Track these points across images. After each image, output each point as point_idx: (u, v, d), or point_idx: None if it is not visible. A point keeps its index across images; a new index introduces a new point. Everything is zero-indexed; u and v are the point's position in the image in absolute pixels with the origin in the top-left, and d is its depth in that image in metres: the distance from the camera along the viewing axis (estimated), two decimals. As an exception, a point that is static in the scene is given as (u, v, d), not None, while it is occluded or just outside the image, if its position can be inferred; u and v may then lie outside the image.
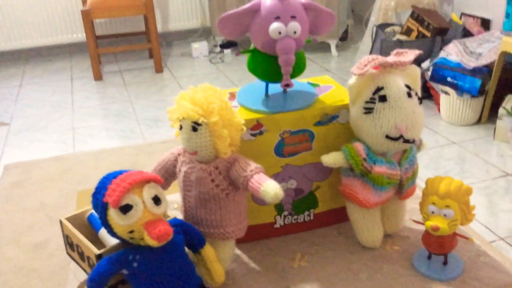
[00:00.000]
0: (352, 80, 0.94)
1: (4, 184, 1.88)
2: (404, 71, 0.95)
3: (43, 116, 2.79)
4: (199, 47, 3.46)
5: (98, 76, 3.18)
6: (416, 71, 0.97)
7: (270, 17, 0.93)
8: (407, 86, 0.93)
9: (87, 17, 2.97)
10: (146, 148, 2.32)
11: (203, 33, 3.80)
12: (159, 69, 3.25)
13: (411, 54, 0.95)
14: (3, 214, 1.57)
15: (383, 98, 0.92)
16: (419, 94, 0.96)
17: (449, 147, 2.28)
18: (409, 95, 0.92)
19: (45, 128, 2.64)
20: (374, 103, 0.92)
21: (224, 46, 3.66)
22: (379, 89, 0.92)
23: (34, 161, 2.17)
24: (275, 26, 0.93)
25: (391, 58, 0.95)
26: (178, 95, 0.91)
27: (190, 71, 3.31)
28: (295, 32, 0.94)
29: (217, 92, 0.89)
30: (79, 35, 3.53)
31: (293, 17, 0.94)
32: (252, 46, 1.02)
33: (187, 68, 3.36)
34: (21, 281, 1.15)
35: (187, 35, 3.82)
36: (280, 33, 0.93)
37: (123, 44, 3.55)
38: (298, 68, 1.00)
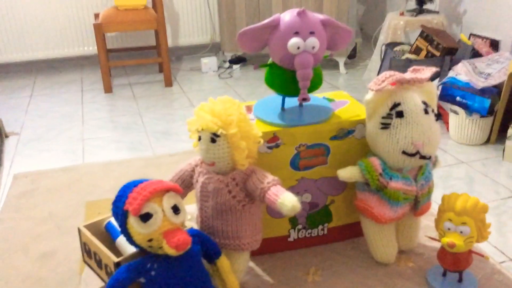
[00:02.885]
0: (370, 95, 0.95)
1: (13, 193, 1.88)
2: (421, 88, 0.96)
3: (53, 127, 2.80)
4: (208, 62, 3.48)
5: (108, 89, 3.20)
6: (432, 88, 0.97)
7: (289, 32, 0.95)
8: (424, 103, 0.94)
9: (99, 31, 3.00)
10: (155, 160, 2.32)
11: (213, 48, 3.83)
12: (168, 83, 3.27)
13: (428, 71, 0.96)
14: (12, 223, 1.58)
15: (400, 114, 0.92)
16: (436, 110, 0.96)
17: (458, 167, 2.27)
18: (426, 111, 0.93)
19: (55, 139, 2.65)
20: (391, 118, 0.93)
21: (233, 61, 3.67)
22: (396, 105, 0.93)
23: (43, 171, 2.18)
24: (294, 41, 0.94)
25: (408, 75, 0.95)
26: (197, 106, 0.92)
27: (199, 86, 3.33)
28: (313, 48, 0.95)
29: (236, 104, 0.90)
30: (90, 48, 3.57)
31: (312, 33, 0.95)
32: (270, 61, 1.03)
33: (196, 83, 3.38)
34: (30, 290, 1.15)
35: (197, 50, 3.85)
36: (298, 48, 0.94)
37: (134, 58, 3.58)
38: (315, 83, 1.01)
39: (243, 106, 1.09)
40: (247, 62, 3.24)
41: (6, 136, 2.58)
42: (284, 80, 1.00)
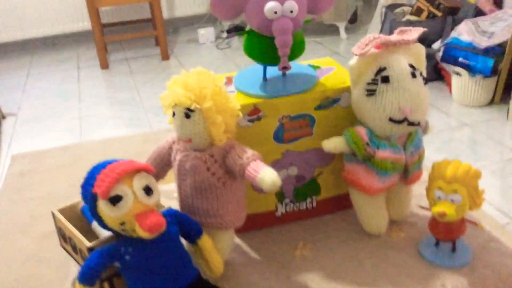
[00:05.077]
0: (353, 60, 0.90)
1: (12, 174, 1.87)
2: (408, 50, 0.90)
3: (50, 106, 2.78)
4: (206, 33, 3.41)
5: (104, 65, 3.16)
6: (420, 49, 0.92)
7: (265, -5, 0.89)
8: (411, 66, 0.88)
9: (92, 5, 2.94)
10: (153, 136, 2.29)
11: (210, 18, 3.75)
12: (165, 56, 3.21)
13: (415, 32, 0.90)
14: (11, 204, 1.57)
15: (385, 79, 0.87)
16: (424, 74, 0.91)
17: (461, 129, 2.22)
18: (414, 75, 0.88)
19: (53, 118, 2.63)
20: (377, 84, 0.88)
21: (231, 31, 3.57)
22: (381, 69, 0.88)
23: (41, 151, 2.16)
24: (270, 5, 0.88)
25: (394, 37, 0.90)
26: (170, 80, 0.87)
27: (197, 58, 3.26)
28: (292, 12, 0.89)
29: (211, 76, 0.85)
30: (85, 24, 3.51)
31: (290, -4, 0.89)
32: (248, 27, 0.97)
33: (194, 55, 3.32)
34: (30, 270, 1.14)
35: (194, 21, 3.77)
36: (276, 12, 0.88)
37: (129, 32, 3.52)
38: (297, 50, 0.96)
39: (222, 78, 1.04)
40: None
41: (4, 117, 2.56)
42: (263, 48, 0.94)
